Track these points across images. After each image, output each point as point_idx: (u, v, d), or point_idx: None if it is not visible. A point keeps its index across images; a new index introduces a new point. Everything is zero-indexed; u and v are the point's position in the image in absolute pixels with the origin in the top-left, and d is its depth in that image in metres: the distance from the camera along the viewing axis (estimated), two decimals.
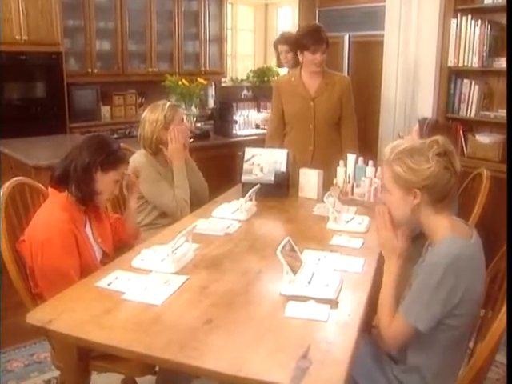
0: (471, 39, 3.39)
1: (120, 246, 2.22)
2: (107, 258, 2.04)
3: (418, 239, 1.78)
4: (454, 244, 1.49)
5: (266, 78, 6.62)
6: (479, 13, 3.38)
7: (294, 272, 1.74)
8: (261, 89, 6.32)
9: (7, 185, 1.98)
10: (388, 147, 1.62)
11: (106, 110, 5.57)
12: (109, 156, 1.98)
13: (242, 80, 6.90)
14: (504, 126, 3.31)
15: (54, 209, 1.89)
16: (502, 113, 3.38)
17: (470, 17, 3.38)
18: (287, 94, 3.15)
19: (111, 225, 2.21)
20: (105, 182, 1.98)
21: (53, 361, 1.98)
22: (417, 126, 2.42)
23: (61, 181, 1.92)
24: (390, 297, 1.61)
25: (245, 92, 6.50)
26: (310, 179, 2.85)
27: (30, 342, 2.83)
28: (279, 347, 1.40)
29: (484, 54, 3.36)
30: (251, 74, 6.81)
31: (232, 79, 6.88)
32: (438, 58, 3.56)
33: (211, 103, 6.14)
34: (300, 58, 3.09)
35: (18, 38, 4.56)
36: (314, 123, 3.09)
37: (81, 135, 4.45)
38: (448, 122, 2.57)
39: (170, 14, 5.88)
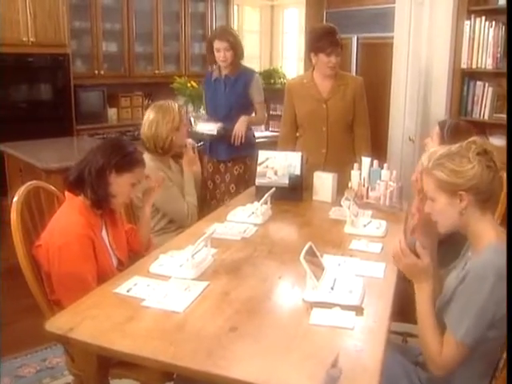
0: (485, 41, 3.37)
1: (131, 257, 2.17)
2: (121, 266, 2.00)
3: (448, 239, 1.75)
4: (500, 253, 1.44)
5: (272, 80, 6.57)
6: (493, 14, 3.36)
7: (317, 278, 1.70)
8: (267, 91, 6.28)
9: (22, 189, 1.95)
10: (424, 156, 1.59)
11: (112, 112, 5.54)
12: (123, 158, 1.94)
13: None
14: None
15: (70, 213, 1.85)
16: None
17: (483, 18, 3.36)
18: (299, 96, 3.11)
19: (126, 232, 2.17)
20: (120, 185, 1.94)
21: (69, 368, 1.95)
22: (437, 128, 2.37)
23: (76, 184, 1.89)
24: (431, 323, 1.53)
25: None
26: (324, 182, 2.82)
27: (41, 347, 2.80)
28: (307, 355, 1.37)
29: (498, 56, 3.33)
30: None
31: None
32: (451, 59, 3.53)
33: None
34: (313, 60, 3.04)
35: (24, 39, 4.54)
36: (327, 125, 3.06)
37: (89, 137, 4.43)
38: (469, 124, 2.51)
39: (177, 15, 5.86)
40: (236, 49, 3.37)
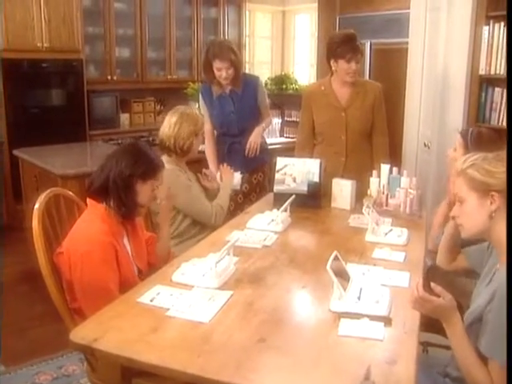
0: (504, 47, 3.32)
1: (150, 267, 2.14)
2: (141, 275, 1.98)
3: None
4: None
5: (284, 86, 6.56)
6: None
7: (344, 288, 1.67)
8: (279, 96, 6.27)
9: (43, 196, 1.94)
10: (461, 160, 1.56)
11: (124, 118, 5.54)
12: (149, 165, 1.93)
13: None
14: None
15: (93, 220, 1.83)
16: None
17: (502, 24, 3.31)
18: (318, 103, 3.07)
19: (146, 241, 2.15)
20: (144, 192, 1.93)
21: (89, 377, 1.92)
22: (459, 138, 2.33)
23: (99, 193, 1.87)
24: (474, 358, 1.45)
25: None
26: (343, 189, 2.79)
27: (57, 354, 2.77)
28: (338, 368, 1.34)
29: None
30: (269, 82, 6.76)
31: None
32: (469, 65, 3.49)
33: None
34: (333, 67, 3.00)
35: (39, 45, 4.55)
36: (346, 134, 3.01)
37: (103, 143, 4.43)
38: (491, 130, 2.47)
39: (189, 20, 5.86)
40: (238, 65, 3.21)
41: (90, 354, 1.42)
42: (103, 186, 1.86)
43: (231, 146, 3.32)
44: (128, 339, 1.43)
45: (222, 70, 3.14)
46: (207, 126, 3.24)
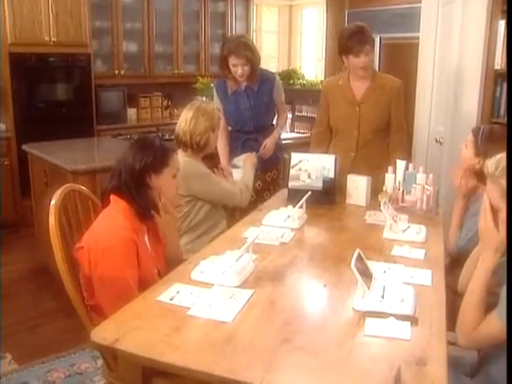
0: None
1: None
2: (159, 276, 1.93)
3: None
4: None
5: (291, 81, 6.51)
6: None
7: (367, 286, 1.64)
8: (287, 91, 6.22)
9: (59, 192, 1.90)
10: (491, 161, 1.51)
11: (132, 113, 5.50)
12: (156, 155, 1.86)
13: None
14: None
15: (116, 216, 1.79)
16: None
17: None
18: (334, 97, 3.03)
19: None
20: (163, 183, 1.88)
21: (105, 376, 1.90)
22: (470, 135, 2.29)
23: (117, 193, 1.83)
24: (480, 297, 1.50)
25: None
26: (358, 186, 2.75)
27: (68, 352, 2.75)
28: (367, 369, 1.30)
29: None
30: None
31: None
32: (484, 60, 3.43)
33: None
34: (345, 63, 2.96)
35: (46, 39, 4.51)
36: (358, 129, 2.96)
37: (112, 138, 4.40)
38: (504, 127, 2.43)
39: (197, 15, 5.81)
40: (254, 62, 3.12)
41: (112, 355, 1.38)
42: (118, 188, 1.83)
43: (245, 143, 3.26)
44: (150, 340, 1.40)
45: (237, 67, 3.08)
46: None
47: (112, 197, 1.84)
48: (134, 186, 1.83)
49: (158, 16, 5.46)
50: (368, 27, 2.93)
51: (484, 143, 2.20)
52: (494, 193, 1.49)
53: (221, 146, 3.28)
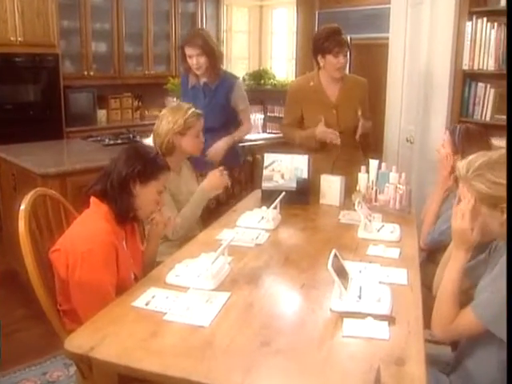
0: (487, 42, 3.35)
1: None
2: (136, 281, 1.90)
3: None
4: None
5: (262, 81, 6.51)
6: (495, 15, 3.33)
7: (344, 287, 1.64)
8: (260, 92, 6.22)
9: (29, 197, 1.84)
10: (462, 163, 1.52)
11: (102, 114, 5.40)
12: (146, 166, 1.83)
13: None
14: None
15: (96, 219, 1.75)
16: None
17: (485, 19, 3.34)
18: (307, 100, 2.99)
19: None
20: (146, 195, 1.84)
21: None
22: (447, 135, 2.34)
23: (100, 195, 1.79)
24: (454, 291, 1.53)
25: None
26: (331, 186, 2.77)
27: (40, 360, 2.67)
28: (347, 370, 1.31)
29: (500, 57, 3.31)
30: (247, 77, 6.69)
31: None
32: (453, 61, 3.50)
33: None
34: (320, 63, 2.94)
35: (12, 39, 4.38)
36: (338, 131, 2.91)
37: (82, 140, 4.31)
38: (479, 127, 2.50)
39: (167, 15, 5.74)
40: (210, 54, 3.04)
41: (87, 363, 1.34)
42: (103, 191, 1.79)
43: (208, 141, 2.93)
44: (126, 346, 1.37)
45: (193, 58, 3.04)
46: None
47: (92, 199, 1.80)
48: (118, 190, 1.79)
49: (128, 16, 5.37)
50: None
51: (461, 141, 2.27)
52: (467, 195, 1.51)
53: None
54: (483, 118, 3.47)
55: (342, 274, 1.69)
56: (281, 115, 4.84)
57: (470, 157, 1.53)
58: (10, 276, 3.56)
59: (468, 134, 2.30)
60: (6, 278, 3.61)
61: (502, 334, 1.37)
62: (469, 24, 3.40)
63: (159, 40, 5.74)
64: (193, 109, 2.56)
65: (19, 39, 4.42)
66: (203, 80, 3.15)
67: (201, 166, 2.88)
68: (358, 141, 3.01)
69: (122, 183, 1.79)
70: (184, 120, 2.49)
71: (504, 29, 3.29)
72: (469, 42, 3.43)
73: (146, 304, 1.60)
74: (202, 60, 3.03)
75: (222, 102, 3.14)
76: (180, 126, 2.48)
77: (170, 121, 2.49)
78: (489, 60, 3.36)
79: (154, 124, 2.59)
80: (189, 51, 3.04)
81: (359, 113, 2.90)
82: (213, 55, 3.07)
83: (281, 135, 4.26)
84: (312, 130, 2.93)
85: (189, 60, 3.06)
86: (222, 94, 3.14)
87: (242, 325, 1.51)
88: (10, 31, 4.36)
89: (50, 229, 1.94)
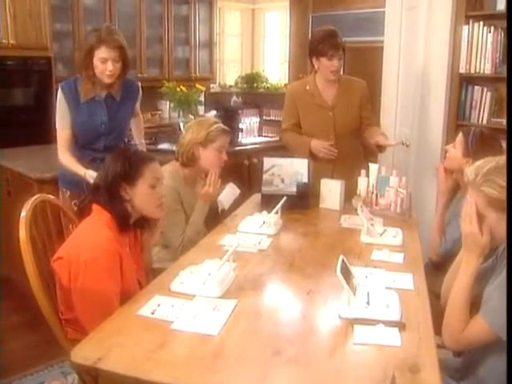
0: (483, 46, 3.36)
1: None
2: (141, 289, 1.86)
3: None
4: None
5: (255, 84, 6.50)
6: (492, 19, 3.34)
7: (353, 293, 1.62)
8: (250, 95, 6.22)
9: (29, 203, 1.80)
10: (470, 169, 1.52)
11: None
12: (126, 165, 1.76)
13: (230, 86, 6.77)
14: None
15: (99, 227, 1.71)
16: None
17: (482, 23, 3.35)
18: (303, 103, 2.99)
19: None
20: (140, 195, 1.78)
21: None
22: (460, 136, 2.31)
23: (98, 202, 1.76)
24: (465, 298, 1.52)
25: (234, 98, 6.35)
26: (331, 190, 2.75)
27: (37, 369, 2.62)
28: (362, 379, 1.28)
29: (497, 61, 3.33)
30: (240, 80, 6.68)
31: (220, 85, 6.73)
32: (449, 64, 3.50)
33: (201, 110, 5.98)
34: (315, 66, 2.94)
35: (4, 41, 4.32)
36: (334, 134, 2.93)
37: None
38: (493, 131, 2.49)
39: (160, 18, 5.71)
40: (127, 60, 2.54)
41: (94, 375, 1.31)
42: (96, 197, 1.76)
43: (92, 163, 2.49)
44: (135, 357, 1.34)
45: (107, 63, 2.42)
46: (64, 134, 2.56)
47: (94, 206, 1.76)
48: (108, 197, 1.75)
49: (121, 19, 5.32)
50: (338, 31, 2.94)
51: (474, 145, 2.23)
52: (477, 200, 1.50)
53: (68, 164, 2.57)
54: (480, 121, 3.48)
55: (349, 280, 1.67)
56: (276, 118, 4.85)
57: (478, 162, 1.53)
58: (3, 283, 3.49)
59: (482, 139, 2.25)
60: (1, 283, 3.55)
61: None
62: (465, 28, 3.41)
63: (152, 43, 5.71)
64: (220, 124, 2.55)
65: (11, 42, 4.35)
66: (104, 91, 2.56)
67: None
68: (368, 144, 3.01)
69: (110, 190, 1.74)
70: (207, 132, 2.48)
71: (501, 32, 3.30)
72: (465, 46, 3.43)
73: (152, 313, 1.57)
74: (118, 66, 2.47)
75: (126, 116, 2.73)
76: (202, 138, 2.47)
77: (193, 131, 2.50)
78: (485, 63, 3.37)
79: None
80: (104, 53, 2.41)
81: (378, 136, 2.89)
82: (129, 62, 2.58)
83: (277, 139, 4.29)
84: (307, 141, 2.94)
85: (100, 65, 2.43)
86: (128, 105, 2.70)
87: (251, 333, 1.48)
88: (2, 34, 4.29)
89: (51, 236, 1.90)
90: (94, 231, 1.71)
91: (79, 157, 2.56)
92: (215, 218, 2.59)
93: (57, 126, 2.62)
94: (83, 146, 2.61)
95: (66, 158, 2.56)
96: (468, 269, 1.54)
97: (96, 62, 2.43)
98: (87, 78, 2.50)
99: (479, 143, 2.20)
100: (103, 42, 2.40)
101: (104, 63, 2.42)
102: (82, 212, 1.78)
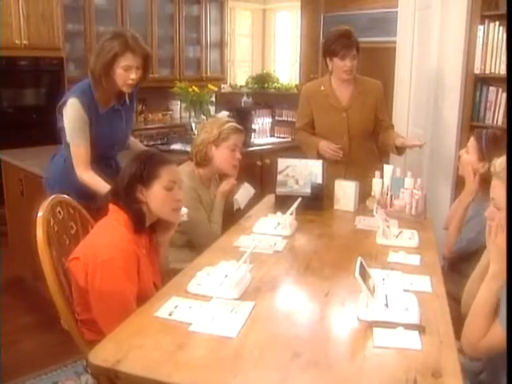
0: (499, 46, 3.32)
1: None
2: (157, 291, 1.86)
3: None
4: None
5: (266, 85, 6.49)
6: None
7: (372, 295, 1.60)
8: (261, 95, 6.20)
9: (46, 203, 1.81)
10: (499, 160, 1.50)
11: None
12: (141, 167, 1.76)
13: (241, 86, 6.76)
14: None
15: (116, 227, 1.71)
16: None
17: (497, 23, 3.31)
18: (318, 104, 2.98)
19: None
20: (156, 197, 1.77)
21: None
22: (472, 141, 2.28)
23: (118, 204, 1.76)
24: (488, 310, 1.48)
25: (245, 99, 6.34)
26: (346, 191, 2.73)
27: (50, 369, 2.62)
28: (383, 383, 1.27)
29: None
30: (250, 80, 6.67)
31: (231, 85, 6.73)
32: (464, 64, 3.47)
33: (212, 110, 5.97)
34: (329, 66, 2.93)
35: (17, 42, 4.34)
36: (348, 135, 2.93)
37: None
38: (504, 131, 2.45)
39: (171, 18, 5.71)
40: (148, 69, 2.42)
41: (113, 377, 1.30)
42: (114, 201, 1.76)
43: (105, 170, 2.42)
44: (154, 359, 1.33)
45: (131, 70, 2.29)
46: (84, 150, 2.37)
47: (111, 207, 1.75)
48: (124, 199, 1.75)
49: (132, 19, 5.33)
50: (353, 32, 2.92)
51: (488, 147, 2.19)
52: (500, 190, 1.47)
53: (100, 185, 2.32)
54: (495, 122, 3.44)
55: (367, 282, 1.66)
56: (289, 119, 4.84)
57: (503, 157, 1.50)
58: (15, 283, 3.51)
59: (496, 140, 2.21)
60: (11, 284, 3.56)
61: None
62: (481, 28, 3.38)
63: (163, 43, 5.71)
64: (232, 122, 2.55)
65: (24, 42, 4.38)
66: (117, 98, 2.47)
67: None
68: (383, 146, 3.02)
69: (126, 192, 1.74)
70: (220, 131, 2.48)
71: None
72: (481, 46, 3.40)
73: (170, 314, 1.56)
74: (140, 73, 2.33)
75: (133, 118, 2.76)
76: (214, 136, 2.48)
77: (206, 131, 2.51)
78: (501, 64, 3.33)
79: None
80: (129, 61, 2.27)
81: (396, 138, 2.88)
82: (149, 70, 2.47)
83: (289, 139, 4.28)
84: (316, 142, 2.95)
85: (123, 73, 2.29)
86: (132, 108, 2.67)
87: (270, 336, 1.47)
88: (15, 35, 4.31)
89: (67, 236, 1.90)
90: (110, 231, 1.71)
91: (95, 169, 2.39)
92: (230, 216, 2.59)
93: (74, 142, 2.38)
94: (97, 157, 2.44)
95: (92, 177, 2.34)
96: (492, 283, 1.49)
97: (119, 69, 2.29)
98: (107, 85, 2.34)
99: (494, 145, 2.16)
100: (130, 49, 2.27)
101: (127, 71, 2.29)
102: (99, 212, 1.78)
